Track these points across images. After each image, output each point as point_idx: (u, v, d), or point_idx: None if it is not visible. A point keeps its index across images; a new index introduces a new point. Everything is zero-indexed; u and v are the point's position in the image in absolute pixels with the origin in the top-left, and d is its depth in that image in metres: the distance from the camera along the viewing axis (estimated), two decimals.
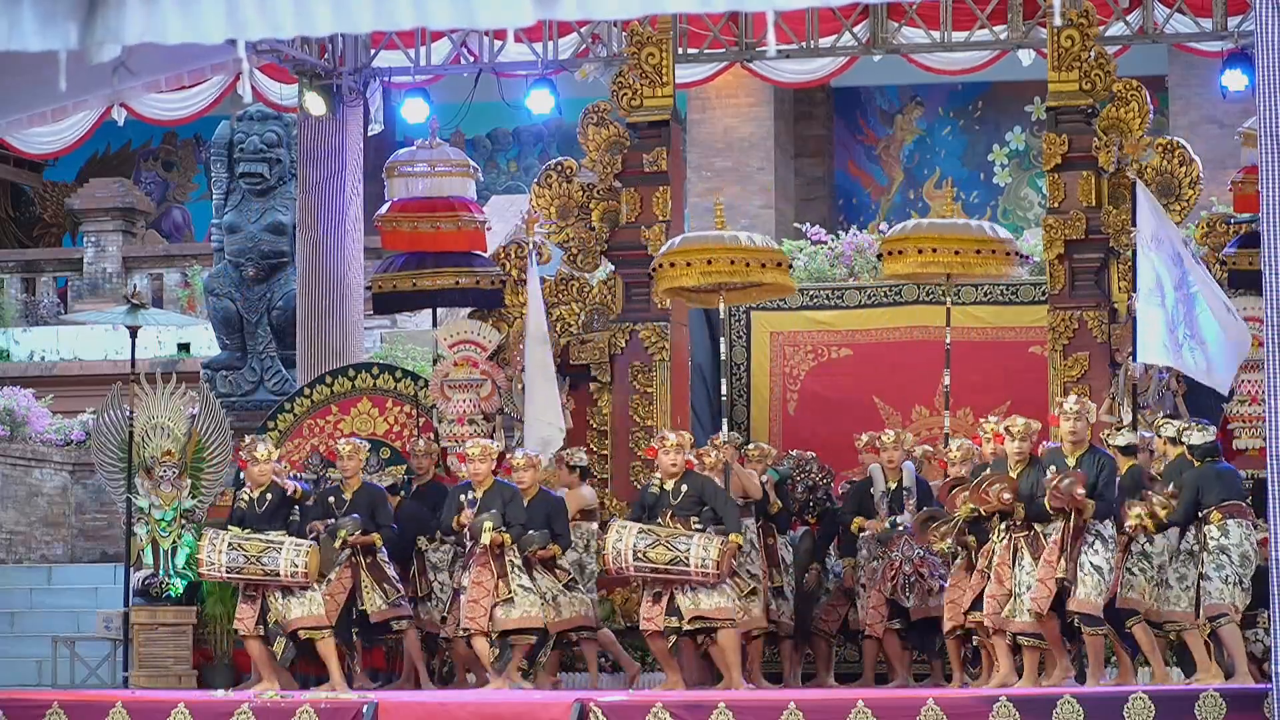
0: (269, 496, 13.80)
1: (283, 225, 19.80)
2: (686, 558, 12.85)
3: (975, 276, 14.85)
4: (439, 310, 16.69)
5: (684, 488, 13.11)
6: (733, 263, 13.89)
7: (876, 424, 15.75)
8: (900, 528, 13.50)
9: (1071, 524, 12.10)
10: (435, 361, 16.02)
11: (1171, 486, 12.43)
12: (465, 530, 13.29)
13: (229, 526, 13.76)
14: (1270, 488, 10.43)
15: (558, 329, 15.57)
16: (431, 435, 15.48)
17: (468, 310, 16.09)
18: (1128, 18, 16.70)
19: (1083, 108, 14.85)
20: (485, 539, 13.10)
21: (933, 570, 13.43)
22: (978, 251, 14.19)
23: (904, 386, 14.77)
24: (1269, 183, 10.48)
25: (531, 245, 15.34)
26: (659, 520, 13.04)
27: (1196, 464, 12.42)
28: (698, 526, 12.97)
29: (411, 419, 15.95)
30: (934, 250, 14.18)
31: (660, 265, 14.22)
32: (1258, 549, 12.21)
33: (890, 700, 11.25)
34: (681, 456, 13.16)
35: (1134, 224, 13.63)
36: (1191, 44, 17.62)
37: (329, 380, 16.33)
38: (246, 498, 13.89)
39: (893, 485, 13.76)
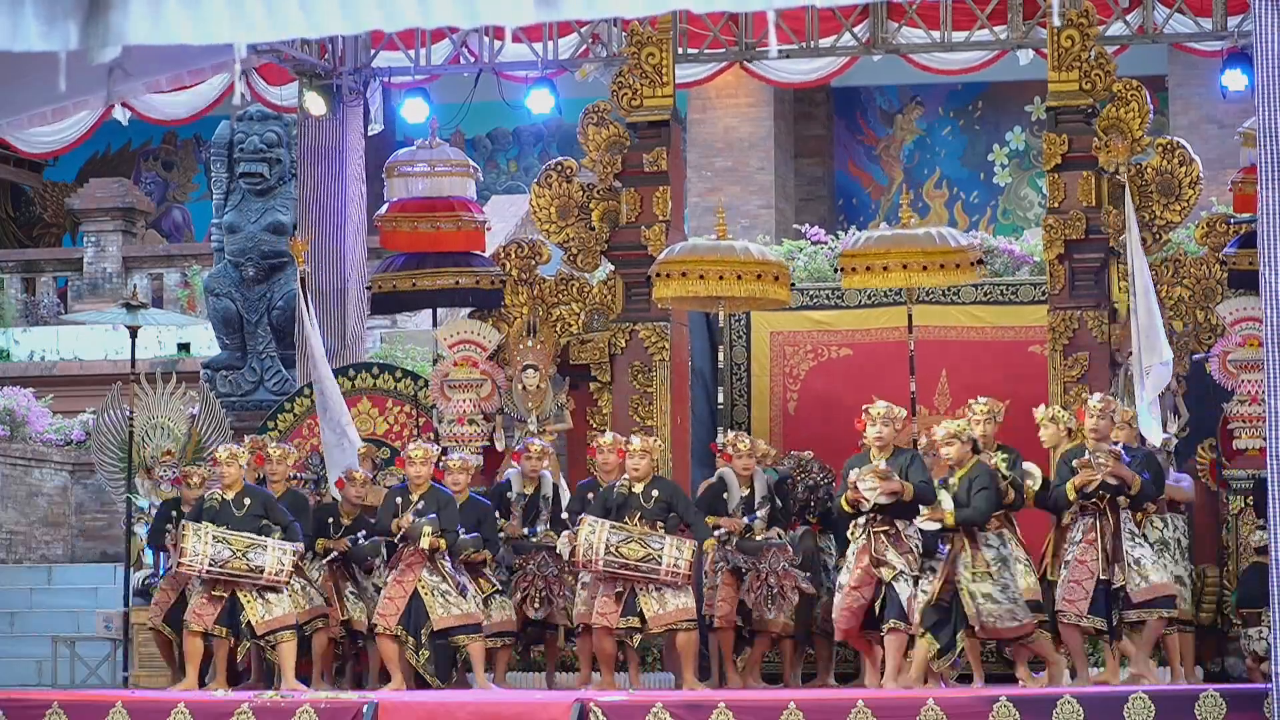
0: (247, 501, 13.60)
1: (283, 225, 19.80)
2: (659, 556, 13.00)
3: (937, 285, 14.82)
4: (439, 310, 16.69)
5: (654, 492, 13.32)
6: (729, 277, 13.98)
7: None
8: (764, 539, 13.68)
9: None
10: (435, 361, 16.02)
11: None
12: (403, 533, 13.34)
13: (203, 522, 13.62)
14: (1270, 488, 10.43)
15: (558, 329, 15.58)
16: (431, 435, 15.49)
17: (468, 310, 16.09)
18: (1127, 18, 16.71)
19: (1083, 108, 14.85)
20: (424, 543, 13.22)
21: (794, 583, 13.64)
22: (941, 265, 14.13)
23: (904, 386, 14.73)
24: (1268, 183, 10.48)
25: (301, 273, 15.43)
26: (625, 521, 13.20)
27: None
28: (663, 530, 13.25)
29: (411, 419, 15.96)
30: (891, 267, 14.13)
31: (658, 274, 14.23)
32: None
33: (890, 700, 11.25)
34: (646, 461, 13.35)
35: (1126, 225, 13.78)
36: (1191, 44, 17.63)
37: None
38: (219, 498, 13.65)
39: (745, 491, 13.89)
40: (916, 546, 12.32)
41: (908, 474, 12.33)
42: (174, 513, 14.59)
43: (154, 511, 15.09)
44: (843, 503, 12.50)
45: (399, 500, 13.46)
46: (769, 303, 14.64)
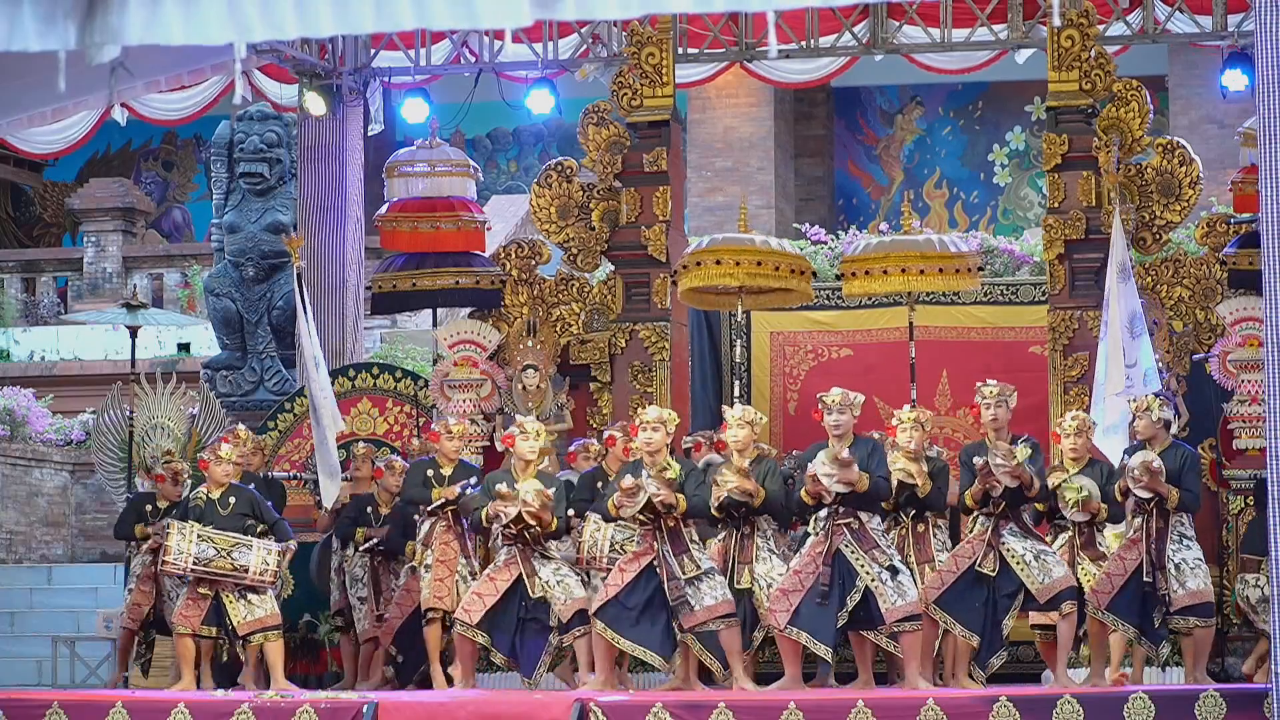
0: (232, 499, 13.55)
1: (283, 225, 19.80)
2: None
3: (936, 290, 14.75)
4: (439, 310, 16.69)
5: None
6: (760, 264, 13.87)
7: (877, 424, 15.73)
8: None
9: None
10: (435, 361, 16.02)
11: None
12: (457, 505, 13.38)
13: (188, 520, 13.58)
14: (1270, 488, 10.42)
15: (558, 329, 15.58)
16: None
17: (468, 310, 16.09)
18: (1128, 18, 16.71)
19: (1083, 108, 14.85)
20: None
21: None
22: (940, 270, 14.08)
23: (904, 386, 14.73)
24: (1269, 183, 10.47)
25: (297, 269, 15.40)
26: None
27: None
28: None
29: (411, 419, 15.96)
30: (891, 271, 14.06)
31: (687, 265, 14.09)
32: None
33: (890, 700, 11.24)
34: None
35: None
36: (1192, 44, 17.63)
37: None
38: (204, 496, 13.58)
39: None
40: (882, 540, 11.98)
41: (868, 464, 11.93)
42: (148, 507, 14.65)
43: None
44: (803, 495, 12.01)
45: (429, 473, 13.54)
46: (795, 297, 14.53)
